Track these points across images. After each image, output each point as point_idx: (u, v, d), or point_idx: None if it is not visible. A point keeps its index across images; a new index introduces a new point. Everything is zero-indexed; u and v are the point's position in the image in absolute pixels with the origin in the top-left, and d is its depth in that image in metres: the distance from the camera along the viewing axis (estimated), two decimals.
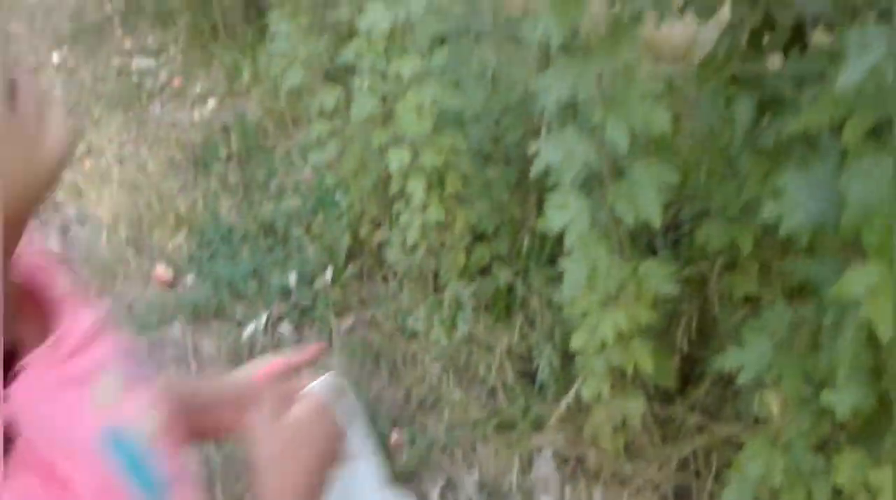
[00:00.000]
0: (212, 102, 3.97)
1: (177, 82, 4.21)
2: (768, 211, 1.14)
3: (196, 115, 3.85)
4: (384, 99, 2.02)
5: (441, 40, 1.98)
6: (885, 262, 0.93)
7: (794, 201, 1.09)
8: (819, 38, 1.34)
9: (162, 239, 2.90)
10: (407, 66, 1.86)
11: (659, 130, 1.38)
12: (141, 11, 5.07)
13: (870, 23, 0.90)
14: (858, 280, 0.96)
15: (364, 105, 2.00)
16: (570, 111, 1.47)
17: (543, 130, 1.61)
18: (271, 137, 3.55)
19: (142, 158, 3.42)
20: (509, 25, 2.10)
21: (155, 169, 3.33)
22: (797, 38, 1.36)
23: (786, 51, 1.35)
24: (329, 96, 2.21)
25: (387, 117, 2.06)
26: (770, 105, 1.37)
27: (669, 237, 2.00)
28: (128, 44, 4.84)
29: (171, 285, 2.76)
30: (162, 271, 2.76)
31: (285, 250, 2.74)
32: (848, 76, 0.81)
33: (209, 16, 4.39)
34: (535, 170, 1.48)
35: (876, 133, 0.90)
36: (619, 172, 1.49)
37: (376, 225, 2.64)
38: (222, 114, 3.81)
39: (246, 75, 3.93)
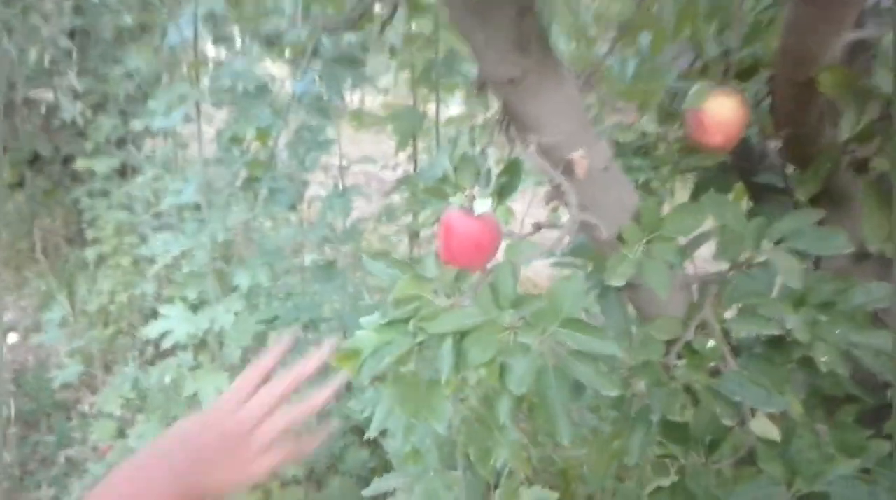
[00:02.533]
0: (13, 338, 3.41)
1: None
2: None
3: None
4: None
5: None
6: None
7: None
8: None
9: None
10: (211, 386, 1.52)
11: None
12: None
13: None
14: None
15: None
16: None
17: None
18: (73, 390, 3.02)
19: None
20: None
21: None
22: None
23: None
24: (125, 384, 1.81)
25: None
26: None
27: None
28: None
29: None
30: None
31: None
32: None
33: (28, 236, 3.94)
34: None
35: None
36: None
37: None
38: (21, 353, 3.26)
39: (58, 310, 3.44)
